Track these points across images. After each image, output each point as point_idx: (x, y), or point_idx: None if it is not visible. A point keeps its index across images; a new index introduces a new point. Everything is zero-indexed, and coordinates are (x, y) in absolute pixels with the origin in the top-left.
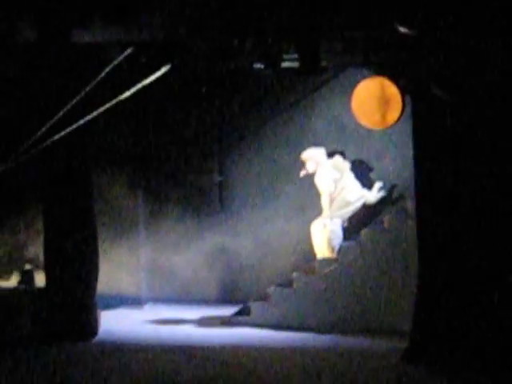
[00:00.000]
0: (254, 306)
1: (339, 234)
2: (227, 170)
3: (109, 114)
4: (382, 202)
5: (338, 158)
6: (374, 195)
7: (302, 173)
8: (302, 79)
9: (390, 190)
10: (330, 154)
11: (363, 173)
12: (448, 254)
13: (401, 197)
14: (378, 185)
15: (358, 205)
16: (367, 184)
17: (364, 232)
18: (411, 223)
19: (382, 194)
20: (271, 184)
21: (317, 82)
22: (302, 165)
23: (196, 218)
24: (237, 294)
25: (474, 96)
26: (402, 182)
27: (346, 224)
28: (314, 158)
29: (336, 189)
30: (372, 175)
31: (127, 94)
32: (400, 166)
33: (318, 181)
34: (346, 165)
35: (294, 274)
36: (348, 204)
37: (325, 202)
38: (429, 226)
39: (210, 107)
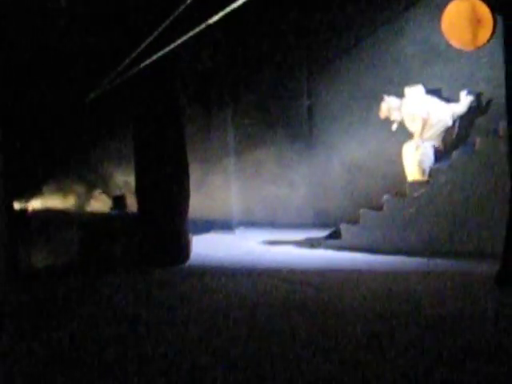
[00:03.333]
0: (345, 229)
1: (430, 156)
2: (316, 93)
3: (198, 38)
4: (472, 112)
5: (410, 90)
6: (462, 104)
7: (394, 126)
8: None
9: (477, 97)
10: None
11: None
12: None
13: (489, 103)
14: (463, 93)
15: (447, 120)
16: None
17: (455, 154)
18: (503, 145)
19: (469, 99)
20: (361, 107)
21: (406, 2)
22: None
23: (285, 143)
24: (328, 218)
25: None
26: (494, 103)
27: (437, 145)
28: (391, 107)
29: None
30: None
31: (215, 18)
32: (492, 87)
33: (408, 121)
34: (419, 90)
35: (385, 197)
36: (438, 122)
37: (417, 126)
38: None
39: (298, 29)
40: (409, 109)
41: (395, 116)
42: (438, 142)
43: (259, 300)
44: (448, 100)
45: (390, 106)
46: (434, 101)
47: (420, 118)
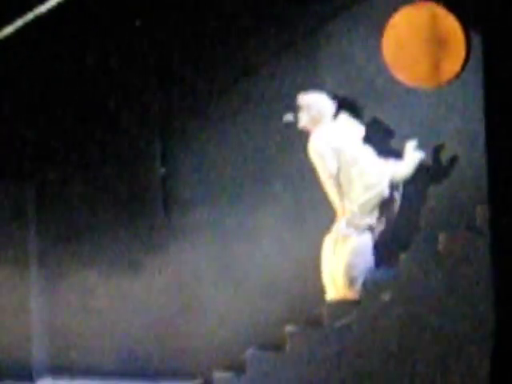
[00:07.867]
0: (221, 380)
1: (367, 254)
2: (175, 157)
3: None
4: (423, 177)
5: (345, 119)
6: (406, 163)
7: (288, 117)
8: (303, 6)
9: (433, 153)
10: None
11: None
12: None
13: (453, 162)
14: (410, 144)
15: (383, 188)
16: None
17: (404, 257)
18: (483, 243)
19: (419, 156)
20: (248, 178)
21: (327, 10)
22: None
23: (125, 239)
24: (191, 363)
25: None
26: (465, 170)
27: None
28: (314, 106)
29: (343, 167)
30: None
31: None
32: (457, 139)
33: (313, 151)
34: (358, 130)
35: (288, 329)
36: (367, 188)
37: (330, 190)
38: None
39: (147, 52)
40: (319, 139)
41: (303, 118)
42: (373, 226)
43: None
44: (388, 154)
45: (310, 103)
46: (366, 152)
47: (328, 174)
